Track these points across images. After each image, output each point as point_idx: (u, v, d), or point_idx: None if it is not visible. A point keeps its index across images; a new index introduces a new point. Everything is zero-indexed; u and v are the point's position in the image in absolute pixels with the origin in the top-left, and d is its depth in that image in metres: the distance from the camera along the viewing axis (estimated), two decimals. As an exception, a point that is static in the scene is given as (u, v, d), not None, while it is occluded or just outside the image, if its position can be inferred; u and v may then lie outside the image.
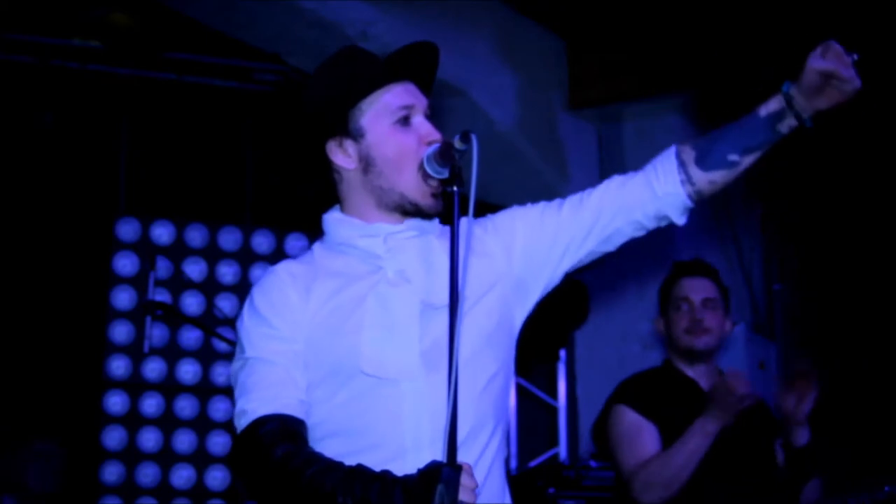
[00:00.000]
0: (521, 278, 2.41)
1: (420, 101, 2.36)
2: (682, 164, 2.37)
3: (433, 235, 2.38)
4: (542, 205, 2.46)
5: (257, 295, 2.32)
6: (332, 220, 2.39)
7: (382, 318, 2.24)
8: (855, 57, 2.20)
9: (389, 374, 2.21)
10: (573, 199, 2.43)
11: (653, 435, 3.58)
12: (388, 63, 2.35)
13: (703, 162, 2.35)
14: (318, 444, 2.22)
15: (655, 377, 3.78)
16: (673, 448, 3.50)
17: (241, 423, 2.21)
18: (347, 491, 2.05)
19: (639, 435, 3.59)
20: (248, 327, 2.30)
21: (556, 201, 2.45)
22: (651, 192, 2.38)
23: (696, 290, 3.74)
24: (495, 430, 2.31)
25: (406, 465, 2.10)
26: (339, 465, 2.11)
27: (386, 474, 2.06)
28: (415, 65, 2.39)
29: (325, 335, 2.24)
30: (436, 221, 2.39)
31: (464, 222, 2.17)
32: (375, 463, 2.10)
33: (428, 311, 2.25)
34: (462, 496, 1.98)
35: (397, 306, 2.25)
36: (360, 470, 2.08)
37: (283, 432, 2.17)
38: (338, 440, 2.21)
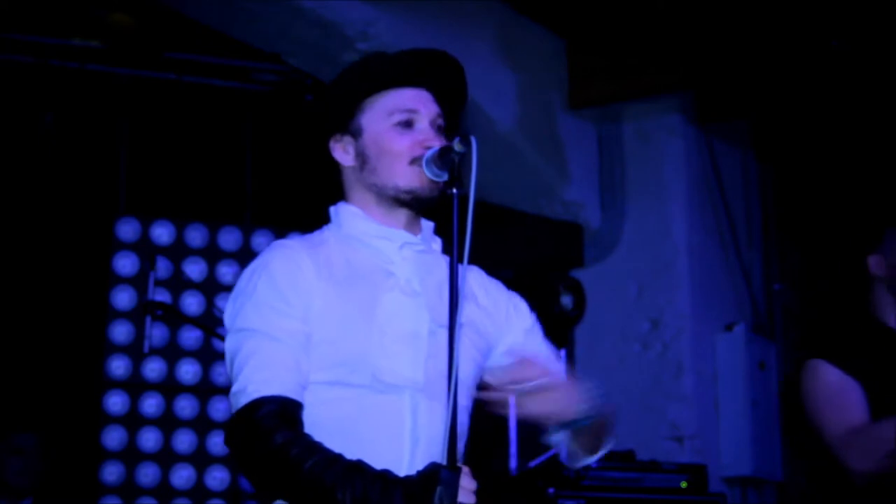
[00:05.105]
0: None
1: (428, 110, 2.35)
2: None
3: (438, 254, 2.38)
4: (535, 328, 2.49)
5: (277, 264, 2.23)
6: (348, 212, 2.37)
7: (397, 325, 2.24)
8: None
9: (398, 382, 2.20)
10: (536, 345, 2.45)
11: (858, 394, 3.26)
12: (399, 67, 2.34)
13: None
14: None
15: (855, 328, 3.46)
16: None
17: (240, 401, 2.16)
18: (347, 487, 2.02)
19: (844, 395, 3.27)
20: (261, 297, 2.21)
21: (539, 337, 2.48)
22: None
23: None
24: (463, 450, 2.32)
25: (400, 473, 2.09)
26: (340, 457, 2.07)
27: (386, 474, 2.05)
28: (434, 75, 2.38)
29: (337, 326, 2.21)
30: (439, 242, 2.38)
31: (476, 272, 2.37)
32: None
33: (433, 327, 2.26)
34: (461, 498, 1.99)
35: (411, 317, 2.25)
36: (361, 466, 2.06)
37: (282, 417, 2.11)
38: (325, 439, 2.13)
